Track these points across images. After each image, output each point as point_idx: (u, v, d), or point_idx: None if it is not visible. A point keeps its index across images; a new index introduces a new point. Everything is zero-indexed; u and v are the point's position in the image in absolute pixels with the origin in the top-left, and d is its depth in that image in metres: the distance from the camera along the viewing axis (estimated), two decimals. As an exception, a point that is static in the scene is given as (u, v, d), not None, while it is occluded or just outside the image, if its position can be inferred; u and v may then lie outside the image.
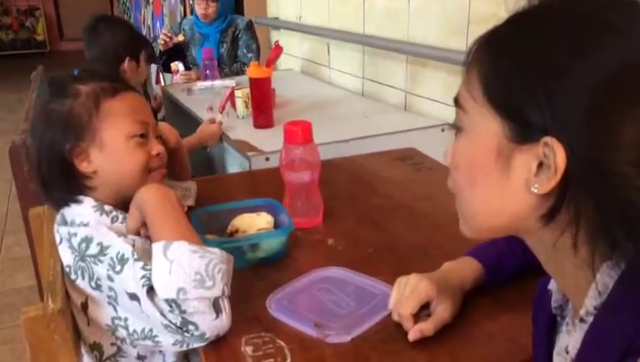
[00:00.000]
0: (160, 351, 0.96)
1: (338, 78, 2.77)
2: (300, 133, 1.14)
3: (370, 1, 2.39)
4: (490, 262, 0.90)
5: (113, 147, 0.96)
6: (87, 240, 0.89)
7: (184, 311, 0.79)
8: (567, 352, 0.57)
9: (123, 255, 0.85)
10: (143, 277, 0.82)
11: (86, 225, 0.93)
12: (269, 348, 0.82)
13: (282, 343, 0.82)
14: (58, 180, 0.95)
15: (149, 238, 0.90)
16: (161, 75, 3.48)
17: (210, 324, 0.80)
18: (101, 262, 0.87)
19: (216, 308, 0.81)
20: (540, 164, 0.51)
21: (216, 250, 0.84)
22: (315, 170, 1.17)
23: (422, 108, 2.16)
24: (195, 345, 0.83)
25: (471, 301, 0.89)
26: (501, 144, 0.53)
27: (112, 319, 0.89)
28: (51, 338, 0.83)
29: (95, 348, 0.95)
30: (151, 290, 0.81)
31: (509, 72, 0.53)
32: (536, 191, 0.51)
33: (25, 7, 9.43)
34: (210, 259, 0.82)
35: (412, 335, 0.80)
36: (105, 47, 2.08)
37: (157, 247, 0.82)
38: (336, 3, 2.70)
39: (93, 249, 0.88)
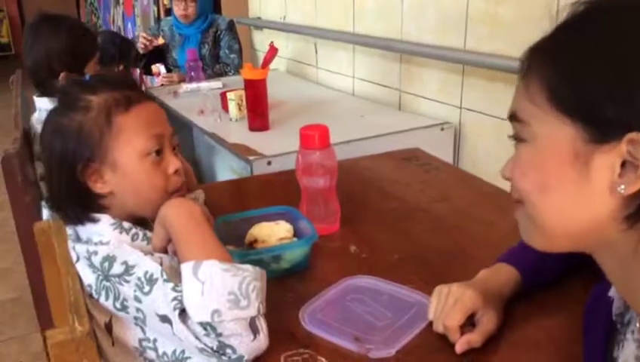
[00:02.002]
0: None
1: (327, 77, 2.74)
2: (316, 138, 1.10)
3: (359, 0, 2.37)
4: (526, 268, 0.88)
5: (127, 168, 0.89)
6: (110, 259, 0.84)
7: (220, 334, 0.75)
8: None
9: (152, 275, 0.80)
10: (174, 299, 0.77)
11: (106, 243, 0.87)
12: (311, 366, 0.78)
13: (324, 360, 0.79)
14: (70, 199, 0.90)
15: (176, 255, 0.85)
16: (145, 78, 3.39)
17: (249, 346, 0.76)
18: (127, 282, 0.82)
19: (253, 329, 0.76)
20: (623, 163, 0.49)
21: (248, 267, 0.79)
22: (333, 175, 1.13)
23: (417, 107, 2.15)
24: None
25: (510, 307, 0.86)
26: (577, 148, 0.52)
27: (140, 341, 0.85)
28: (79, 364, 0.77)
29: None
30: (183, 313, 0.77)
31: (578, 72, 0.52)
32: (623, 191, 0.50)
33: (-13, 8, 9.16)
34: (243, 277, 0.77)
35: (460, 348, 0.78)
36: (42, 53, 1.71)
37: (186, 268, 0.77)
38: (323, 2, 2.67)
39: (118, 268, 0.83)
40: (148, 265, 0.82)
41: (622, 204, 0.51)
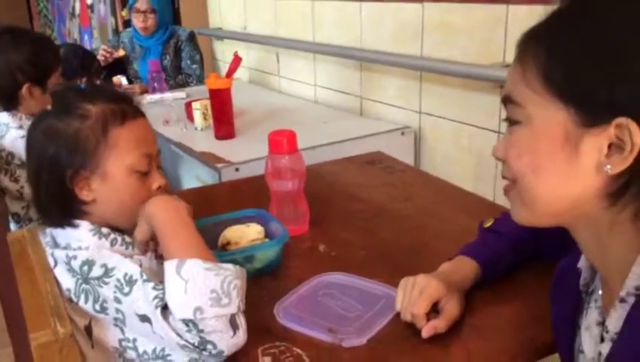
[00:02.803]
0: None
1: (289, 86, 2.79)
2: (285, 143, 1.15)
3: (318, 9, 2.43)
4: (485, 260, 0.94)
5: (115, 179, 0.92)
6: (89, 263, 0.86)
7: (202, 331, 0.78)
8: (604, 328, 0.61)
9: (131, 276, 0.83)
10: (156, 297, 0.80)
11: (85, 248, 0.90)
12: (287, 357, 0.82)
13: (299, 351, 0.83)
14: (55, 203, 0.91)
15: (156, 253, 0.88)
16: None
17: (228, 342, 0.80)
18: (106, 284, 0.84)
19: (233, 325, 0.80)
20: (610, 145, 0.54)
21: (229, 266, 0.82)
22: (301, 178, 1.18)
23: (378, 113, 2.22)
24: None
25: (471, 296, 0.92)
26: (568, 131, 0.56)
27: (120, 341, 0.87)
28: (63, 365, 0.80)
29: None
30: (164, 310, 0.80)
31: (572, 57, 0.55)
32: (609, 171, 0.55)
33: (-64, 22, 8.89)
34: (225, 276, 0.80)
35: (426, 332, 0.83)
36: (3, 65, 1.70)
37: (170, 266, 0.80)
38: (283, 12, 2.72)
39: (97, 271, 0.85)
40: (127, 266, 0.85)
41: (606, 182, 0.56)
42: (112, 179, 0.92)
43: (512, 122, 0.62)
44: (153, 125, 2.25)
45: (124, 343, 0.87)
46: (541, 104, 0.58)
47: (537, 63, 0.58)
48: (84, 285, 0.86)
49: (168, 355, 0.84)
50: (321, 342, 0.85)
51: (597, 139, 0.55)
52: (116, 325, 0.87)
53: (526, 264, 0.98)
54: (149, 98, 2.61)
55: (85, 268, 0.87)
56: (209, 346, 0.79)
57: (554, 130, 0.57)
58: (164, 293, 0.81)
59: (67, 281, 0.89)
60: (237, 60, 1.99)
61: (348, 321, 0.89)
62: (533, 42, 0.59)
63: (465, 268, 0.93)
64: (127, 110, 0.95)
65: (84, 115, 0.91)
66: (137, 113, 0.97)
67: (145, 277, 0.83)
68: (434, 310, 0.87)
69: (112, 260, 0.86)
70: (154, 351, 0.85)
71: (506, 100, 0.62)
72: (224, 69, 3.45)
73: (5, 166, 1.66)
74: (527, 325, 0.86)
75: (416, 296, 0.86)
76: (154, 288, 0.81)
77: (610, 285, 0.63)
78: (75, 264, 0.88)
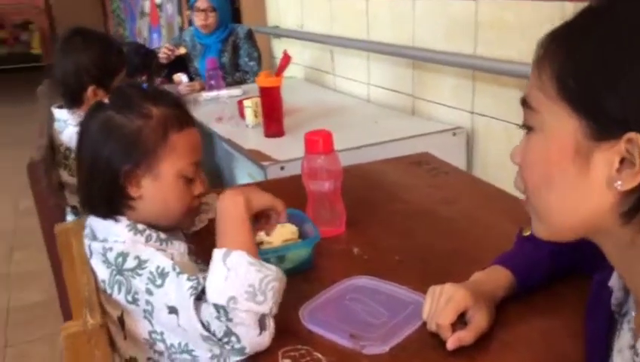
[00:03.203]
0: None
1: (343, 84, 2.78)
2: (321, 143, 1.14)
3: (373, 7, 2.41)
4: (520, 270, 0.90)
5: (165, 181, 0.95)
6: (124, 255, 0.89)
7: (230, 320, 0.80)
8: (635, 352, 0.57)
9: (163, 269, 0.86)
10: (190, 288, 0.83)
11: (121, 242, 0.93)
12: (307, 361, 0.82)
13: (319, 355, 0.82)
14: (103, 195, 0.94)
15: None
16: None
17: (253, 339, 0.81)
18: (139, 275, 0.87)
19: (262, 325, 0.81)
20: (623, 160, 0.50)
21: (272, 267, 0.84)
22: (338, 178, 1.17)
23: (429, 113, 2.17)
24: (233, 360, 0.83)
25: (503, 308, 0.89)
26: (579, 142, 0.53)
27: (150, 333, 0.89)
28: (91, 354, 0.83)
29: None
30: (197, 300, 0.82)
31: (587, 66, 0.52)
32: (619, 187, 0.51)
33: (20, 20, 9.42)
34: (265, 274, 0.83)
35: (451, 344, 0.80)
36: (72, 67, 1.75)
37: (218, 253, 0.83)
38: (338, 10, 2.71)
39: (131, 263, 0.88)
40: (160, 259, 0.87)
41: (619, 199, 0.52)
42: (162, 180, 0.95)
43: (528, 128, 0.59)
44: (207, 122, 2.31)
45: (153, 335, 0.89)
46: (553, 111, 0.54)
47: (553, 67, 0.54)
48: (117, 276, 0.89)
49: (192, 350, 0.85)
50: (342, 347, 0.84)
51: (608, 153, 0.51)
52: (145, 317, 0.89)
53: (566, 276, 0.93)
54: (205, 95, 2.67)
55: (120, 259, 0.90)
56: (233, 338, 0.80)
57: (565, 140, 0.54)
58: (198, 283, 0.83)
59: (102, 272, 0.92)
60: (286, 59, 2.00)
61: (373, 328, 0.87)
62: (552, 44, 0.55)
63: (497, 278, 0.90)
64: (184, 117, 0.98)
65: (147, 115, 0.94)
66: (192, 121, 1.01)
67: (178, 269, 0.85)
68: (462, 321, 0.84)
69: (145, 253, 0.89)
70: (179, 344, 0.87)
71: (523, 104, 0.59)
72: (282, 66, 3.48)
73: (64, 161, 1.73)
74: (561, 341, 0.82)
75: (442, 305, 0.83)
76: (188, 279, 0.84)
77: None
78: (111, 256, 0.91)
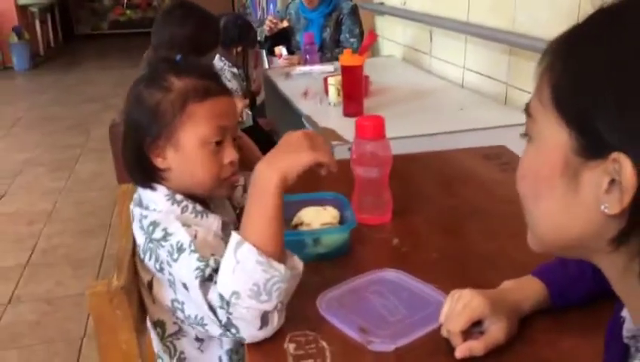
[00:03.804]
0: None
1: (438, 66, 2.68)
2: (371, 129, 1.11)
3: (475, -13, 2.28)
4: (556, 285, 0.84)
5: (188, 151, 0.96)
6: (155, 224, 0.92)
7: (231, 313, 0.80)
8: None
9: (182, 244, 0.88)
10: (197, 268, 0.84)
11: (158, 211, 0.96)
12: (312, 348, 0.81)
13: (325, 344, 0.82)
14: (137, 166, 0.98)
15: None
16: (265, 59, 3.55)
17: (252, 333, 0.81)
18: (163, 247, 0.90)
19: (264, 320, 0.81)
20: (612, 181, 0.46)
21: (281, 268, 0.80)
22: (386, 166, 1.14)
23: (522, 103, 2.03)
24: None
25: (532, 322, 0.83)
26: (568, 157, 0.49)
27: (172, 301, 0.93)
28: (113, 313, 0.88)
29: (158, 324, 1.00)
30: (204, 282, 0.83)
31: (581, 77, 0.48)
32: (606, 210, 0.47)
33: (153, -14, 10.01)
34: (272, 275, 0.80)
35: (460, 353, 0.76)
36: (166, 37, 1.84)
37: (232, 240, 0.82)
38: (441, -12, 2.61)
39: (159, 233, 0.91)
40: (181, 234, 0.89)
41: (607, 223, 0.48)
42: (184, 149, 0.96)
43: (528, 137, 0.55)
44: (294, 97, 2.33)
45: (175, 304, 0.93)
46: (547, 120, 0.50)
47: (551, 75, 0.50)
48: (149, 244, 0.93)
49: (205, 324, 0.88)
50: (350, 339, 0.82)
51: (596, 172, 0.46)
52: (170, 286, 0.92)
53: (607, 296, 0.84)
54: (298, 69, 2.69)
55: (151, 228, 0.93)
56: (233, 329, 0.82)
57: (555, 153, 0.49)
58: (206, 265, 0.84)
59: (139, 237, 0.96)
60: (371, 37, 1.96)
61: (386, 324, 0.85)
62: (554, 51, 0.51)
63: (527, 289, 0.84)
64: (211, 87, 0.98)
65: (167, 88, 0.96)
66: (221, 91, 1.00)
67: (193, 247, 0.87)
68: (480, 331, 0.79)
69: (172, 225, 0.92)
70: (195, 316, 0.89)
71: (526, 111, 0.54)
72: (384, 44, 3.42)
73: None
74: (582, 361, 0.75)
75: (457, 310, 0.79)
76: (198, 259, 0.85)
77: None
78: (145, 223, 0.95)
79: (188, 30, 1.85)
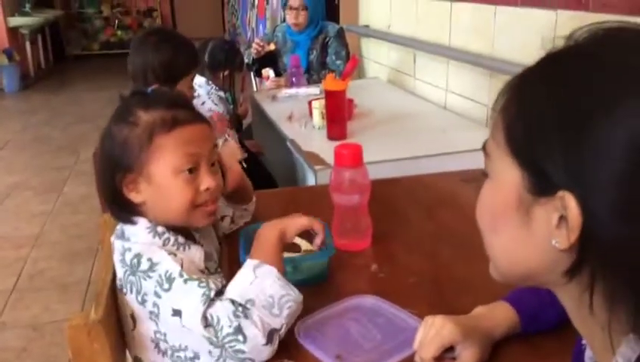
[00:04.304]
0: None
1: (422, 88, 2.72)
2: (349, 157, 1.13)
3: (456, 13, 2.33)
4: (527, 311, 0.86)
5: (160, 182, 0.95)
6: (139, 256, 0.93)
7: (247, 317, 0.83)
8: None
9: (171, 274, 0.89)
10: (203, 295, 0.86)
11: (140, 243, 0.96)
12: (288, 376, 0.83)
13: (300, 372, 0.83)
14: (113, 201, 0.99)
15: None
16: (253, 81, 3.59)
17: (258, 347, 0.83)
18: (150, 277, 0.90)
19: (269, 338, 0.84)
20: (562, 217, 0.49)
21: (296, 290, 0.89)
22: (364, 193, 1.16)
23: (504, 125, 2.08)
24: None
25: (504, 347, 0.85)
26: (521, 195, 0.52)
27: (155, 332, 0.94)
28: (91, 346, 0.88)
29: (137, 361, 1.00)
30: (211, 303, 0.86)
31: (530, 120, 0.51)
32: (557, 245, 0.49)
33: (144, 8, 10.08)
34: (287, 292, 0.87)
35: (432, 379, 0.78)
36: (140, 64, 1.83)
37: (251, 263, 0.90)
38: (423, 14, 2.66)
39: (144, 264, 0.92)
40: (169, 264, 0.90)
41: (559, 257, 0.50)
42: (157, 180, 0.96)
43: (485, 174, 0.57)
44: (279, 120, 2.36)
45: (157, 335, 0.94)
46: (501, 160, 0.53)
47: (505, 116, 0.53)
48: (130, 277, 0.93)
49: (193, 351, 0.89)
50: (326, 367, 0.84)
51: (546, 208, 0.49)
52: (151, 318, 0.93)
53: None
54: (284, 92, 2.72)
55: (135, 261, 0.93)
56: (239, 337, 0.83)
57: (509, 191, 0.52)
58: (209, 289, 0.87)
59: (119, 271, 0.96)
60: (354, 62, 1.99)
61: (361, 351, 0.87)
62: (508, 92, 0.53)
63: (498, 315, 0.86)
64: (179, 116, 0.97)
65: (134, 123, 0.96)
66: (191, 119, 0.99)
67: (185, 276, 0.88)
68: (452, 357, 0.81)
69: (156, 255, 0.92)
70: (180, 346, 0.91)
71: (483, 148, 0.57)
72: (369, 66, 3.47)
73: None
74: (551, 392, 0.77)
75: (430, 337, 0.81)
76: (199, 286, 0.87)
77: None
78: (128, 256, 0.94)
79: (161, 57, 1.83)
